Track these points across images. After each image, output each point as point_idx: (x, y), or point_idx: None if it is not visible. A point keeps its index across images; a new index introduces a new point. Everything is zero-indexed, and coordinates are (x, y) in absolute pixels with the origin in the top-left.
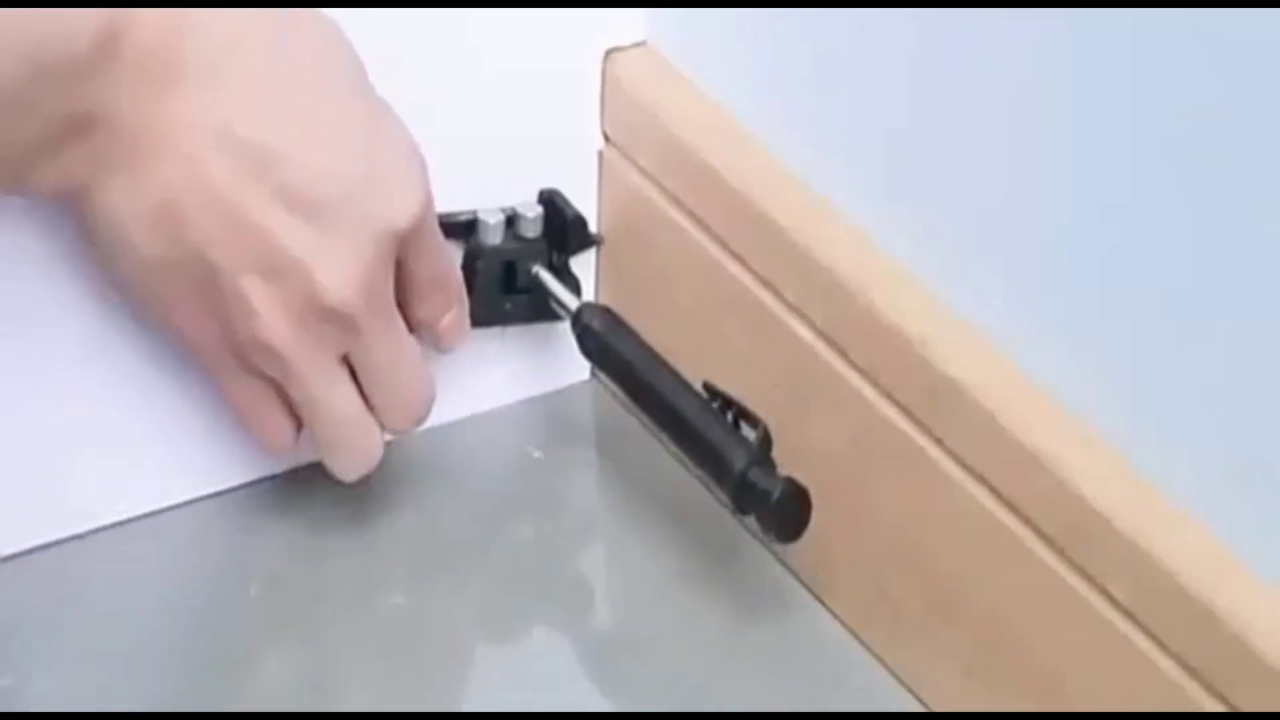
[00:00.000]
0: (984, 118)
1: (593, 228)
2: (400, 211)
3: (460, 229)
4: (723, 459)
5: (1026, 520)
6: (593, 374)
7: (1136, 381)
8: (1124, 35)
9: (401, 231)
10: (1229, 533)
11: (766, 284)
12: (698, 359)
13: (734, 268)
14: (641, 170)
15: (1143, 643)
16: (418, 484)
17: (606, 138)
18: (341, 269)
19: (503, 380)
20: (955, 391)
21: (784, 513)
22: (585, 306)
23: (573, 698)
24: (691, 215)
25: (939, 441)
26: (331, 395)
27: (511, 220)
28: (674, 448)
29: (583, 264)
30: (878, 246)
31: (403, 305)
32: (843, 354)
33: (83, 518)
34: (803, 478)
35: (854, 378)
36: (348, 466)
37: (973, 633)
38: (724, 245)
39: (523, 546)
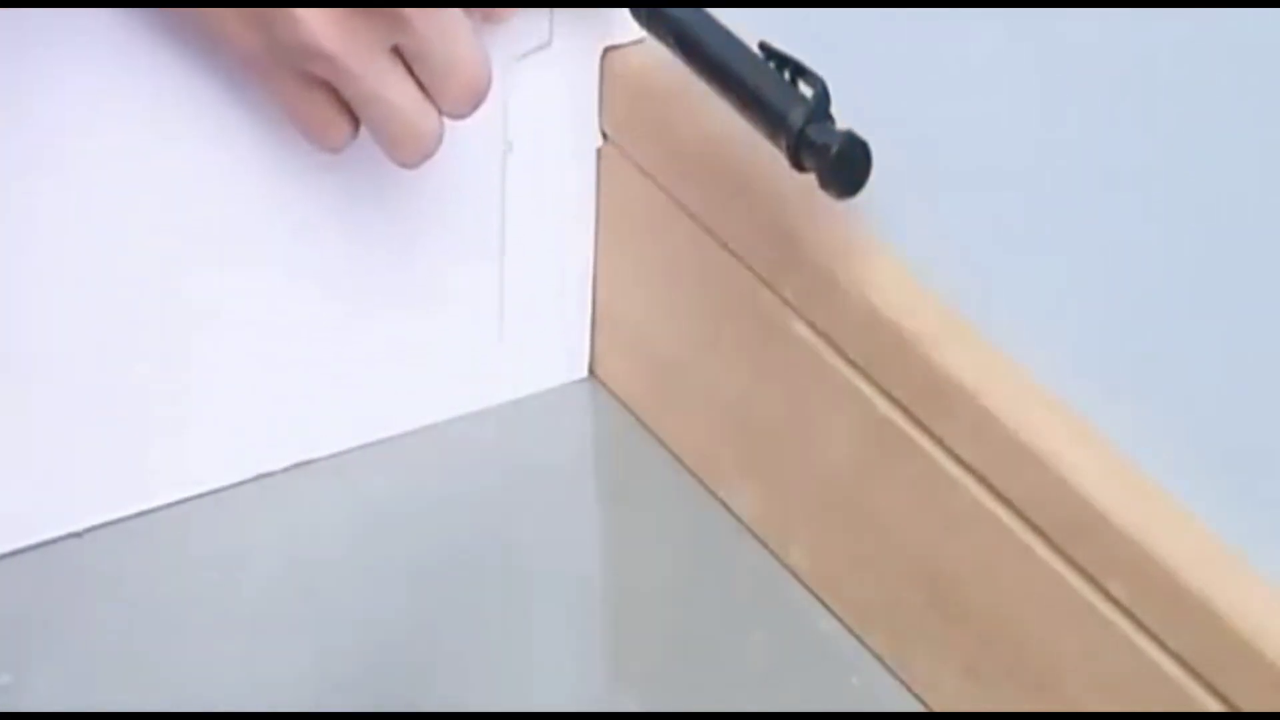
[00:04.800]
0: (984, 117)
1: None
2: None
3: None
4: (780, 115)
5: (1026, 519)
6: (591, 373)
7: (1137, 380)
8: (1123, 35)
9: None
10: (1229, 532)
11: (766, 283)
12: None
13: (734, 267)
14: (640, 168)
15: (1143, 642)
16: (417, 483)
17: (605, 136)
18: None
19: (502, 380)
20: (955, 390)
21: (844, 166)
22: None
23: (572, 698)
24: (690, 214)
25: (939, 440)
26: (385, 87)
27: None
28: (730, 107)
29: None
30: (878, 246)
31: None
32: (843, 354)
33: (81, 515)
34: (803, 477)
35: (854, 377)
36: (409, 155)
37: (973, 632)
38: (723, 244)
39: (522, 546)
